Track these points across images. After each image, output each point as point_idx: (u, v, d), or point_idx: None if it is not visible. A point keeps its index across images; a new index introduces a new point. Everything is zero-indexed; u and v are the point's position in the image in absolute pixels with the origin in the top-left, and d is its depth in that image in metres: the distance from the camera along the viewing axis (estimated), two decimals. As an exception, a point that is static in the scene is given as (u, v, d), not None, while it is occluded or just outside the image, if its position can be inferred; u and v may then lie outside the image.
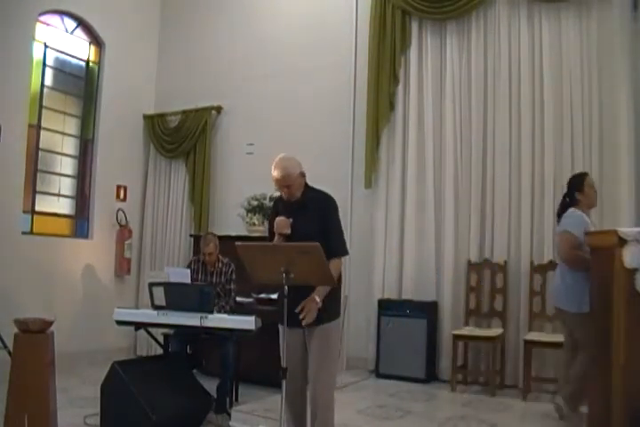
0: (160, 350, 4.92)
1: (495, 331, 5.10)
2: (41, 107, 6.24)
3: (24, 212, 5.98)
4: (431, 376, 5.35)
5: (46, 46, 6.30)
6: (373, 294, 5.74)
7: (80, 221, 6.69)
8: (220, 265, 4.86)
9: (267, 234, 6.03)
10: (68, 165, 6.62)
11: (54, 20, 6.43)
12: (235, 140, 6.80)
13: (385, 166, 5.90)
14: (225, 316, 4.16)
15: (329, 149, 6.08)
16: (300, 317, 2.79)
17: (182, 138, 6.94)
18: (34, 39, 6.09)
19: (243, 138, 6.72)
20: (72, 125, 6.69)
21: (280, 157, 3.03)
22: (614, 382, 3.03)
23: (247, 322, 3.95)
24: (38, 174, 6.23)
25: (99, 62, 6.88)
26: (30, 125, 6.06)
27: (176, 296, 4.20)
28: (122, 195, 6.97)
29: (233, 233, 6.16)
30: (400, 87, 5.89)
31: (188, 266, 5.02)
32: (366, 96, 5.93)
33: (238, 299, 5.01)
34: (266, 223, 6.15)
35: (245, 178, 6.58)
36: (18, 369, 3.16)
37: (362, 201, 5.96)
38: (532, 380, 4.81)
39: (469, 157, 5.56)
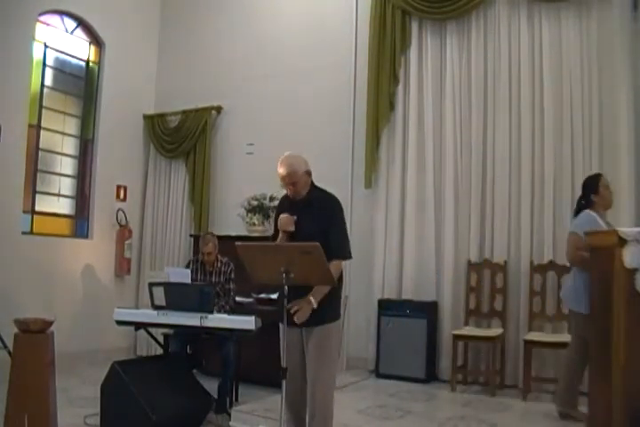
0: (160, 350, 4.92)
1: (495, 331, 5.10)
2: (41, 107, 6.24)
3: (24, 212, 5.98)
4: (431, 376, 5.35)
5: (46, 46, 6.30)
6: (373, 294, 5.74)
7: (80, 221, 6.69)
8: (219, 265, 4.86)
9: (266, 234, 6.12)
10: (67, 165, 6.62)
11: (54, 20, 6.43)
12: (235, 140, 6.80)
13: (385, 166, 5.90)
14: (225, 316, 4.16)
15: (329, 148, 6.07)
16: (295, 316, 2.79)
17: (182, 138, 6.94)
18: (34, 39, 6.09)
19: (243, 138, 6.72)
20: (72, 125, 6.69)
21: (286, 154, 3.02)
22: (614, 382, 3.04)
23: (247, 322, 3.95)
24: (38, 174, 6.23)
25: (99, 62, 6.88)
26: (30, 125, 6.06)
27: (176, 296, 4.20)
28: (122, 195, 6.97)
29: (233, 233, 6.16)
30: (400, 87, 5.89)
31: (187, 266, 5.02)
32: (366, 96, 5.93)
33: (238, 299, 5.02)
34: (266, 223, 6.17)
35: (245, 178, 6.58)
36: (18, 369, 3.16)
37: (362, 201, 5.96)
38: (532, 380, 4.81)
39: (469, 157, 5.56)
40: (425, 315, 5.35)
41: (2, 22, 5.67)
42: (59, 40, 6.47)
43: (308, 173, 3.02)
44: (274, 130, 6.46)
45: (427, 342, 5.30)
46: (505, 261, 5.32)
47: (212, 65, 7.01)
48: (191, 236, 6.65)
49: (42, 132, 6.25)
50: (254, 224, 6.13)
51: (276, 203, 6.01)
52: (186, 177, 6.95)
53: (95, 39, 6.86)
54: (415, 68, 5.82)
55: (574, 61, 5.19)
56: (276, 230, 3.06)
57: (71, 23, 6.64)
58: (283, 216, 2.99)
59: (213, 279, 4.82)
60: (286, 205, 3.10)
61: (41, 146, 6.24)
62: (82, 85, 6.79)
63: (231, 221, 6.45)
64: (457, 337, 5.07)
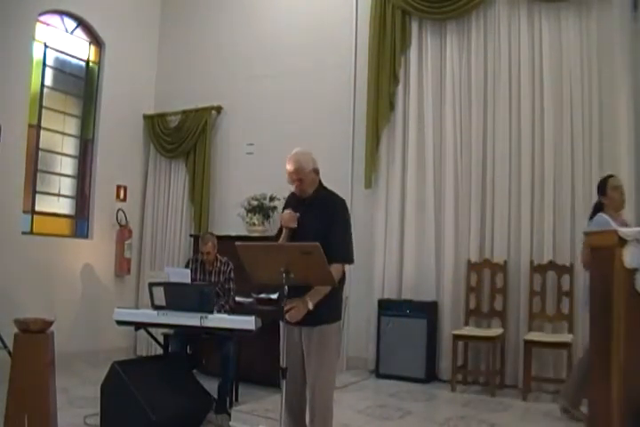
0: (160, 350, 4.92)
1: (495, 331, 5.10)
2: (41, 107, 6.24)
3: (24, 212, 5.98)
4: (431, 376, 5.34)
5: (46, 46, 6.30)
6: (373, 294, 5.74)
7: (80, 221, 6.69)
8: (219, 264, 4.87)
9: (266, 234, 6.12)
10: (68, 165, 6.62)
11: (54, 20, 6.42)
12: (235, 140, 6.80)
13: (385, 166, 5.90)
14: (225, 316, 4.17)
15: (329, 148, 6.06)
16: (287, 314, 2.78)
17: (182, 138, 6.94)
18: (34, 39, 6.09)
19: (243, 138, 6.72)
20: (72, 125, 6.69)
21: (296, 150, 3.02)
22: (614, 382, 3.03)
23: (247, 322, 3.95)
24: (38, 174, 6.23)
25: (99, 62, 6.88)
26: (30, 125, 6.06)
27: (176, 296, 4.20)
28: (122, 195, 6.97)
29: (233, 233, 6.17)
30: (400, 87, 5.89)
31: (187, 265, 5.02)
32: (366, 96, 5.93)
33: (238, 299, 5.01)
34: (266, 223, 6.17)
35: (245, 178, 6.58)
36: (18, 369, 3.16)
37: (362, 201, 5.96)
38: (532, 380, 4.81)
39: (469, 157, 5.56)
40: (425, 315, 5.35)
41: (2, 22, 5.67)
42: (59, 40, 6.47)
43: (316, 172, 3.01)
44: (274, 130, 6.46)
45: (427, 342, 5.30)
46: (505, 261, 5.32)
47: (212, 65, 7.01)
48: (191, 236, 6.65)
49: (42, 132, 6.25)
50: (254, 224, 6.13)
51: (276, 203, 6.05)
52: (186, 177, 6.95)
53: (95, 39, 6.86)
54: (415, 68, 5.82)
55: (574, 61, 5.19)
56: (282, 227, 3.04)
57: (71, 23, 6.64)
58: (286, 212, 2.98)
59: (213, 279, 4.82)
60: (293, 202, 3.08)
61: (41, 146, 6.24)
62: (82, 85, 6.79)
63: (231, 221, 6.45)
64: (457, 337, 5.07)
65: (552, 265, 5.09)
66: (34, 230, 6.13)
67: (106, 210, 6.75)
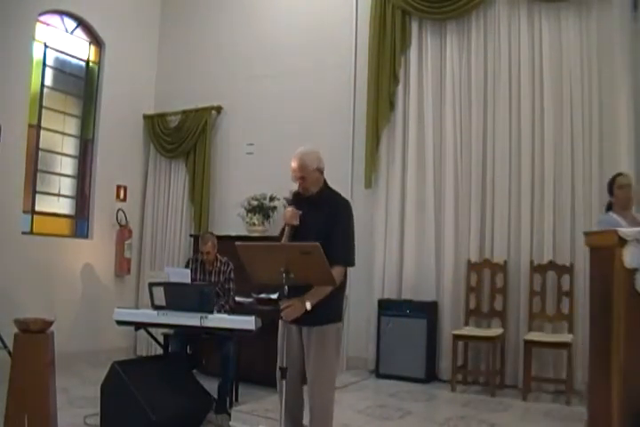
0: (160, 350, 4.92)
1: (495, 331, 5.10)
2: (41, 107, 6.25)
3: (24, 212, 5.98)
4: (431, 376, 5.34)
5: (46, 46, 6.31)
6: (373, 294, 5.73)
7: (80, 221, 6.69)
8: (219, 264, 4.87)
9: (267, 234, 6.12)
10: (68, 165, 6.62)
11: (54, 20, 6.43)
12: (235, 140, 6.80)
13: (385, 166, 5.90)
14: (225, 316, 4.17)
15: (329, 148, 6.01)
16: (283, 312, 2.77)
17: (182, 138, 6.94)
18: (34, 39, 6.09)
19: (243, 138, 6.72)
20: (72, 125, 6.69)
21: (302, 148, 3.02)
22: (614, 382, 3.03)
23: (247, 322, 3.95)
24: (38, 174, 6.23)
25: (99, 62, 6.88)
26: (30, 125, 6.06)
27: (176, 296, 4.21)
28: (122, 195, 6.97)
29: (233, 233, 6.17)
30: (400, 87, 5.88)
31: (187, 265, 5.02)
32: (366, 96, 5.93)
33: (238, 299, 5.02)
34: (266, 223, 6.17)
35: (245, 178, 6.58)
36: (18, 369, 3.16)
37: (362, 201, 5.94)
38: (532, 380, 4.80)
39: (469, 157, 5.55)
40: (425, 315, 5.35)
41: (2, 22, 5.67)
42: (59, 40, 6.47)
43: (320, 171, 3.00)
44: (274, 130, 6.46)
45: (427, 342, 5.30)
46: (505, 261, 5.32)
47: (212, 65, 7.01)
48: (191, 236, 6.65)
49: (42, 132, 6.25)
50: (254, 224, 6.13)
51: (276, 203, 6.06)
52: (186, 177, 6.95)
53: (95, 39, 6.86)
54: (415, 68, 5.82)
55: (574, 61, 5.19)
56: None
57: (71, 23, 6.64)
58: (288, 209, 2.98)
59: (213, 279, 4.82)
60: (297, 200, 3.06)
61: (41, 146, 6.24)
62: (82, 85, 6.79)
63: (231, 221, 6.45)
64: (457, 337, 5.06)
65: (552, 265, 5.09)
66: (34, 230, 6.13)
67: (106, 210, 6.75)
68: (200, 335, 4.46)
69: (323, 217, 2.91)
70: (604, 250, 3.27)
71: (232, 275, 4.82)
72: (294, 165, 2.94)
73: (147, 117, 7.24)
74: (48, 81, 6.38)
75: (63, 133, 6.56)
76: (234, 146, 6.79)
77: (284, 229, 3.06)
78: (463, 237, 5.52)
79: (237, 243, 2.74)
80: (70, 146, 6.65)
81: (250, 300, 5.24)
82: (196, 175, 6.84)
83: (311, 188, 2.98)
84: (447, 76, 5.69)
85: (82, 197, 6.71)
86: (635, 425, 2.99)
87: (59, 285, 6.09)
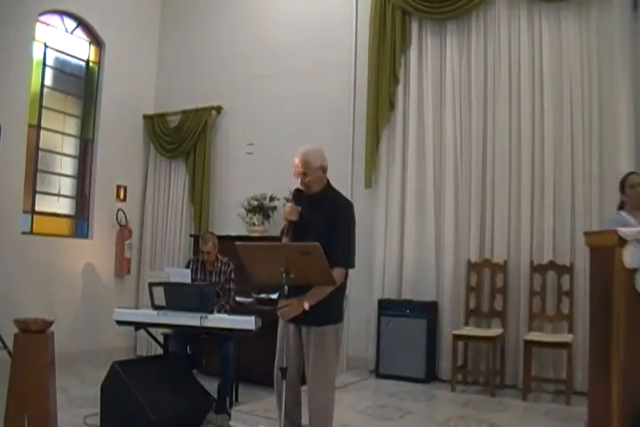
0: (160, 350, 4.92)
1: (495, 331, 5.10)
2: (41, 107, 6.24)
3: (24, 212, 5.98)
4: (431, 376, 5.34)
5: (46, 46, 6.30)
6: (373, 294, 5.73)
7: (80, 221, 6.69)
8: (220, 264, 4.87)
9: (266, 234, 6.11)
10: (68, 165, 6.62)
11: (54, 20, 6.43)
12: (235, 140, 6.80)
13: (385, 166, 5.90)
14: (225, 316, 4.17)
15: (329, 149, 5.90)
16: (279, 310, 2.77)
17: (182, 138, 6.94)
18: (34, 39, 6.09)
19: (243, 138, 6.71)
20: (72, 125, 6.69)
21: (306, 146, 3.02)
22: (614, 383, 3.03)
23: (247, 322, 3.96)
24: (38, 174, 6.23)
25: (99, 62, 6.88)
26: (30, 125, 6.06)
27: (176, 296, 4.21)
28: (122, 195, 6.97)
29: (233, 233, 6.17)
30: (400, 87, 5.88)
31: (187, 266, 5.03)
32: (366, 96, 5.93)
33: (238, 299, 5.02)
34: (266, 223, 6.17)
35: (245, 178, 6.58)
36: (18, 369, 3.16)
37: (362, 201, 5.93)
38: (532, 380, 4.80)
39: (469, 157, 5.55)
40: (425, 315, 5.35)
41: (2, 22, 5.67)
42: (59, 40, 6.47)
43: (323, 169, 3.00)
44: (274, 130, 6.46)
45: (427, 342, 5.30)
46: (505, 261, 5.32)
47: (212, 65, 7.01)
48: (191, 236, 6.65)
49: (42, 132, 6.25)
50: (254, 224, 6.13)
51: (276, 203, 6.05)
52: (186, 177, 6.95)
53: (95, 39, 6.86)
54: (415, 68, 5.82)
55: (574, 61, 5.19)
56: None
57: (71, 23, 6.64)
58: (287, 205, 2.98)
59: (213, 279, 4.82)
60: (299, 198, 3.02)
61: (41, 146, 6.24)
62: (82, 85, 6.79)
63: (231, 221, 6.45)
64: (457, 337, 5.06)
65: (552, 265, 5.09)
66: (34, 230, 6.13)
67: (106, 210, 6.75)
68: (200, 335, 4.46)
69: (324, 217, 2.90)
70: (604, 250, 3.27)
71: (233, 275, 4.82)
72: (297, 161, 2.94)
73: (147, 117, 7.24)
74: (48, 81, 6.37)
75: (63, 133, 6.56)
76: (234, 146, 6.79)
77: (284, 229, 3.06)
78: (463, 236, 5.52)
79: (237, 243, 2.74)
80: (70, 146, 6.65)
81: (250, 300, 5.24)
82: (196, 175, 6.83)
83: (313, 186, 2.97)
84: (447, 76, 5.69)
85: (82, 197, 6.71)
86: (635, 425, 2.99)
87: (59, 285, 6.09)
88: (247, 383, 4.90)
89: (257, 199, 6.17)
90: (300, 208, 2.93)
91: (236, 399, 4.70)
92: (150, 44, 7.40)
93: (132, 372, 3.88)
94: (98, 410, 3.88)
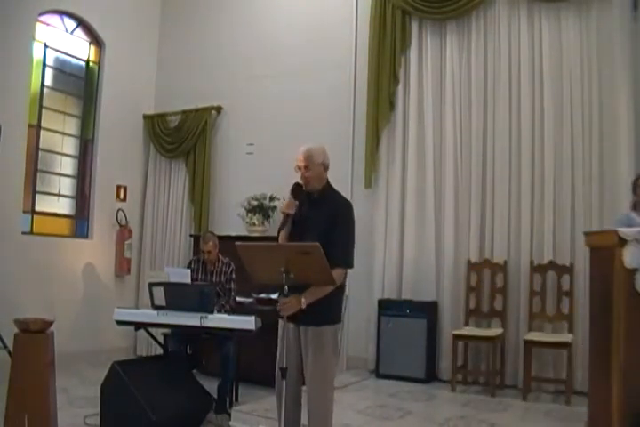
0: (160, 350, 4.92)
1: (495, 331, 5.10)
2: (41, 107, 6.24)
3: (24, 212, 5.98)
4: (431, 376, 5.34)
5: (46, 46, 6.30)
6: (373, 294, 5.73)
7: (80, 221, 6.69)
8: (221, 265, 4.87)
9: (267, 234, 6.11)
10: (68, 165, 6.62)
11: (54, 20, 6.43)
12: (235, 140, 6.80)
13: (385, 166, 5.90)
14: (225, 316, 4.17)
15: (329, 148, 5.94)
16: (279, 308, 2.76)
17: (182, 138, 6.94)
18: (34, 39, 6.09)
19: (243, 138, 6.72)
20: (72, 125, 6.69)
21: (309, 144, 3.03)
22: (614, 383, 3.03)
23: (247, 322, 3.96)
24: (38, 174, 6.23)
25: (99, 62, 6.88)
26: (30, 125, 6.06)
27: (176, 296, 4.21)
28: (122, 195, 6.97)
29: (233, 233, 6.17)
30: (400, 87, 5.88)
31: (188, 266, 5.03)
32: (366, 96, 5.93)
33: (238, 299, 5.01)
34: (266, 223, 6.17)
35: (245, 178, 6.58)
36: (18, 369, 3.16)
37: (362, 201, 5.93)
38: (532, 380, 4.80)
39: (469, 157, 5.56)
40: (425, 315, 5.35)
41: (2, 22, 5.67)
42: (59, 40, 6.47)
43: (324, 166, 3.00)
44: (274, 130, 6.45)
45: (427, 342, 5.30)
46: (505, 261, 5.32)
47: (212, 65, 7.00)
48: (191, 236, 6.65)
49: (42, 132, 6.25)
50: (254, 224, 6.13)
51: (276, 203, 6.05)
52: (186, 177, 6.95)
53: (95, 39, 6.86)
54: (415, 68, 5.82)
55: (574, 61, 5.19)
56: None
57: (71, 23, 6.64)
58: (287, 198, 2.97)
59: (214, 279, 4.82)
60: (297, 194, 3.00)
61: (41, 146, 6.24)
62: (82, 85, 6.79)
63: (231, 221, 6.45)
64: (457, 337, 5.06)
65: (552, 265, 5.09)
66: (34, 230, 6.13)
67: (106, 210, 6.75)
68: (200, 335, 4.46)
69: (324, 217, 2.90)
70: (604, 250, 3.27)
71: (233, 275, 4.82)
72: (300, 154, 2.95)
73: (147, 117, 7.24)
74: (48, 81, 6.37)
75: (63, 133, 6.56)
76: (234, 146, 6.79)
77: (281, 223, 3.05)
78: (463, 236, 5.52)
79: (237, 243, 2.74)
80: (70, 146, 6.65)
81: (250, 300, 5.24)
82: (196, 175, 6.84)
83: (313, 182, 2.97)
84: (447, 76, 5.69)
85: (82, 197, 6.71)
86: (635, 425, 2.99)
87: (59, 285, 6.09)
88: (247, 383, 4.90)
89: (257, 199, 6.17)
90: (297, 202, 2.92)
91: (236, 399, 4.70)
92: (150, 44, 7.40)
93: (132, 372, 3.88)
94: (98, 410, 3.88)
